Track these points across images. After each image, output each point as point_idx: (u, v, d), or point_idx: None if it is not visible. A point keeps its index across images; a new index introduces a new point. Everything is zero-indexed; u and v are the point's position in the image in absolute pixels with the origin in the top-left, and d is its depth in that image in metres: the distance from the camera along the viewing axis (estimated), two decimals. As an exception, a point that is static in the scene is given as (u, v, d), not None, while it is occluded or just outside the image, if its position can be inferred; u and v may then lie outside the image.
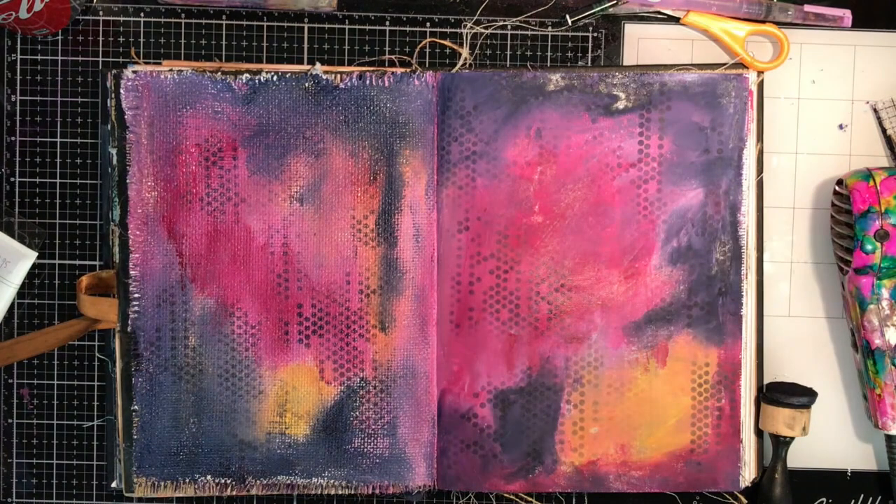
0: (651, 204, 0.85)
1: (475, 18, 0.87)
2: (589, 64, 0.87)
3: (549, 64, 0.87)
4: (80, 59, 0.87)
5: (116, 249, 0.85)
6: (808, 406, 0.84)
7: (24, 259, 0.86)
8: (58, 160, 0.87)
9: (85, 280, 0.84)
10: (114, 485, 0.87)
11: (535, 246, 0.85)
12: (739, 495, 0.87)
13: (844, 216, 0.83)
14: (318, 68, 0.84)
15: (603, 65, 0.87)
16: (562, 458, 0.86)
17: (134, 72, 0.84)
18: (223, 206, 0.85)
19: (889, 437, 0.85)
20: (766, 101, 0.87)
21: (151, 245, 0.84)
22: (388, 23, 0.87)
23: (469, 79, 0.84)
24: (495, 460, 0.86)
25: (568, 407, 0.86)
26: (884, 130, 0.87)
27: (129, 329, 0.84)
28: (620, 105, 0.85)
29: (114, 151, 0.84)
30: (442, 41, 0.87)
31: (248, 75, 0.84)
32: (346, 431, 0.85)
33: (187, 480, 0.85)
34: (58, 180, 0.87)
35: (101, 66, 0.87)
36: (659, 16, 0.87)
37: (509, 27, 0.87)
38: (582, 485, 0.86)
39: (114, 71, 0.84)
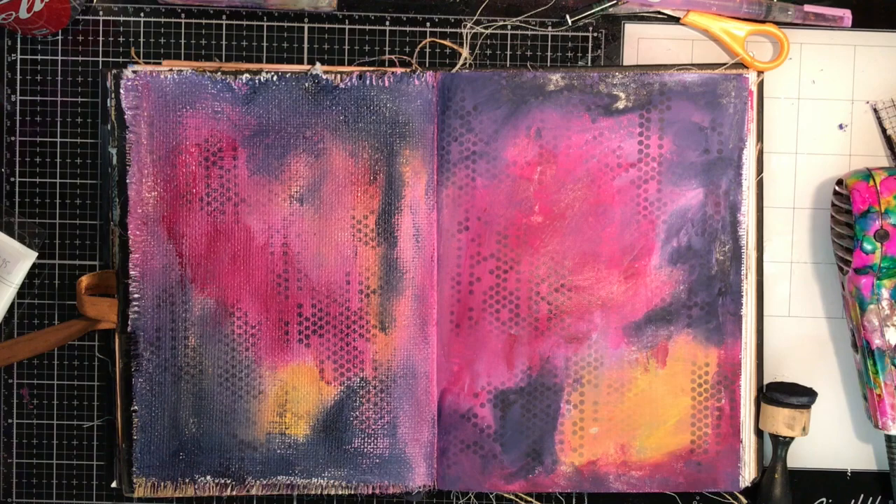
0: (651, 204, 0.85)
1: (475, 18, 0.87)
2: (589, 64, 0.87)
3: (549, 64, 0.87)
4: (80, 59, 0.87)
5: (116, 249, 0.85)
6: (808, 406, 0.84)
7: (24, 259, 0.86)
8: (58, 160, 0.87)
9: (85, 280, 0.84)
10: (114, 485, 0.87)
11: (535, 246, 0.85)
12: (739, 495, 0.87)
13: (844, 216, 0.83)
14: (318, 68, 0.84)
15: (603, 65, 0.87)
16: (562, 459, 0.86)
17: (134, 72, 0.84)
18: (223, 206, 0.85)
19: (889, 437, 0.85)
20: (766, 101, 0.87)
21: (151, 245, 0.84)
22: (388, 23, 0.87)
23: (469, 79, 0.84)
24: (495, 460, 0.86)
25: (568, 407, 0.86)
26: (884, 130, 0.87)
27: (129, 329, 0.84)
28: (620, 105, 0.85)
29: (114, 151, 0.84)
30: (442, 41, 0.87)
31: (248, 75, 0.84)
32: (346, 431, 0.85)
33: (187, 481, 0.85)
34: (58, 180, 0.87)
35: (101, 66, 0.87)
36: (659, 16, 0.87)
37: (509, 27, 0.87)
38: (582, 485, 0.86)
39: (114, 71, 0.84)
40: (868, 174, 0.82)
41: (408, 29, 0.87)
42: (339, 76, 0.84)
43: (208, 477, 0.85)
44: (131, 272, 0.84)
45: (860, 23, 0.87)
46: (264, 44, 0.87)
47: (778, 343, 0.88)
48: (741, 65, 0.86)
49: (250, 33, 0.87)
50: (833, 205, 0.85)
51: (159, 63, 0.86)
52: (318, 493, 0.86)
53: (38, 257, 0.87)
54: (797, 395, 0.84)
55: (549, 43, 0.87)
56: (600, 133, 0.85)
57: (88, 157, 0.87)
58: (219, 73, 0.84)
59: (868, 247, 0.82)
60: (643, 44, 0.87)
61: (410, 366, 0.85)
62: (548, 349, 0.85)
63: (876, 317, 0.83)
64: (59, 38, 0.87)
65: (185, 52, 0.87)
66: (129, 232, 0.84)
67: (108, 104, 0.84)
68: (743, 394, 0.86)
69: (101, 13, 0.87)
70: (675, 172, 0.85)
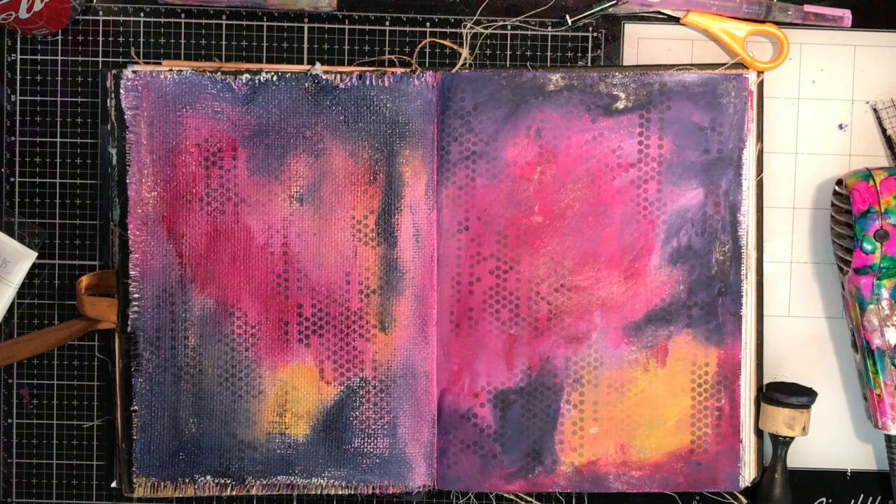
0: (651, 204, 0.85)
1: (475, 18, 0.87)
2: (589, 64, 0.87)
3: (549, 64, 0.87)
4: (80, 59, 0.87)
5: (116, 249, 0.85)
6: (808, 406, 0.84)
7: (24, 259, 0.86)
8: (58, 160, 0.87)
9: (85, 280, 0.84)
10: (114, 485, 0.87)
11: (535, 246, 0.85)
12: (739, 495, 0.87)
13: (844, 216, 0.83)
14: (318, 68, 0.84)
15: (603, 65, 0.87)
16: (562, 458, 0.86)
17: (134, 72, 0.84)
18: (223, 206, 0.85)
19: (889, 437, 0.85)
20: (766, 101, 0.87)
21: (151, 245, 0.84)
22: (388, 23, 0.87)
23: (469, 79, 0.84)
24: (495, 460, 0.86)
25: (568, 407, 0.86)
26: (884, 130, 0.87)
27: (128, 329, 0.84)
28: (620, 105, 0.85)
29: (113, 151, 0.84)
30: (442, 41, 0.87)
31: (248, 75, 0.84)
32: (346, 431, 0.85)
33: (187, 481, 0.85)
34: (58, 180, 0.87)
35: (101, 66, 0.87)
36: (659, 16, 0.87)
37: (509, 27, 0.87)
38: (582, 485, 0.86)
39: (114, 71, 0.84)
40: (868, 174, 0.82)
41: (408, 29, 0.87)
42: (339, 76, 0.84)
43: (208, 477, 0.85)
44: (131, 272, 0.84)
45: (860, 23, 0.87)
46: (264, 44, 0.87)
47: (778, 343, 0.88)
48: (741, 65, 0.86)
49: (250, 33, 0.87)
50: (833, 205, 0.85)
51: (159, 63, 0.86)
52: (318, 493, 0.86)
53: (38, 257, 0.87)
54: (797, 395, 0.84)
55: (549, 43, 0.87)
56: (600, 133, 0.85)
57: (88, 157, 0.87)
58: (219, 73, 0.84)
59: (868, 247, 0.82)
60: (643, 44, 0.87)
61: (410, 366, 0.85)
62: (548, 349, 0.85)
63: (876, 317, 0.83)
64: (59, 38, 0.87)
65: (185, 52, 0.87)
66: (129, 232, 0.84)
67: (108, 104, 0.84)
68: (743, 394, 0.86)
69: (101, 13, 0.87)
70: (675, 172, 0.85)
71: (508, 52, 0.87)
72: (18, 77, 0.87)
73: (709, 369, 0.86)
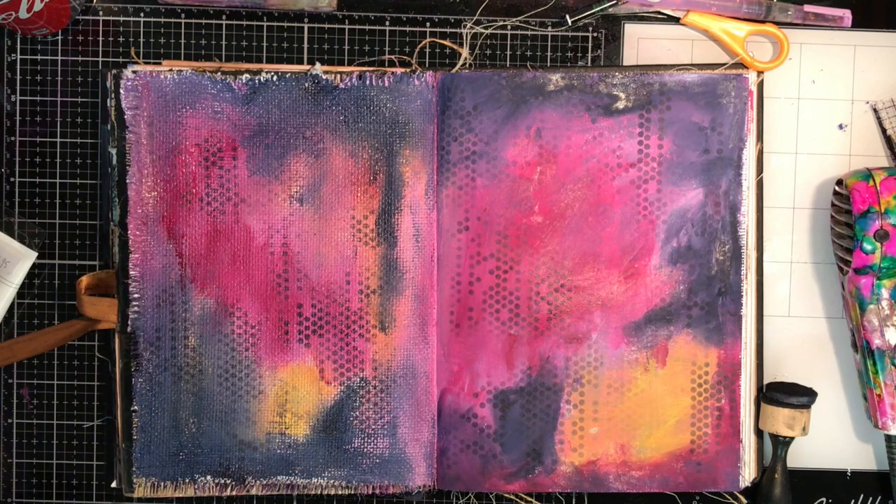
0: (651, 204, 0.85)
1: (475, 18, 0.87)
2: (589, 64, 0.87)
3: (549, 64, 0.87)
4: (80, 59, 0.87)
5: (116, 249, 0.85)
6: (808, 406, 0.84)
7: (24, 259, 0.86)
8: (58, 160, 0.87)
9: (85, 280, 0.84)
10: (114, 485, 0.87)
11: (535, 246, 0.85)
12: (739, 495, 0.87)
13: (844, 216, 0.83)
14: (318, 68, 0.84)
15: (603, 65, 0.87)
16: (562, 458, 0.86)
17: (134, 72, 0.84)
18: (223, 206, 0.85)
19: (889, 437, 0.85)
20: (766, 101, 0.87)
21: (151, 245, 0.84)
22: (388, 23, 0.87)
23: (469, 79, 0.84)
24: (495, 460, 0.86)
25: (568, 407, 0.86)
26: (884, 130, 0.87)
27: (128, 329, 0.84)
28: (620, 105, 0.85)
29: (113, 151, 0.84)
30: (442, 41, 0.87)
31: (247, 75, 0.84)
32: (346, 431, 0.85)
33: (187, 480, 0.85)
34: (58, 180, 0.87)
35: (101, 66, 0.87)
36: (659, 16, 0.87)
37: (509, 27, 0.87)
38: (582, 485, 0.86)
39: (114, 71, 0.84)
40: (868, 174, 0.82)
41: (408, 29, 0.87)
42: (339, 76, 0.84)
43: (208, 477, 0.85)
44: (131, 272, 0.84)
45: (860, 23, 0.87)
46: (264, 44, 0.87)
47: (778, 343, 0.88)
48: (741, 65, 0.86)
49: (250, 33, 0.87)
50: (833, 205, 0.85)
51: (159, 63, 0.86)
52: (318, 493, 0.86)
53: (38, 257, 0.87)
54: (797, 395, 0.84)
55: (549, 43, 0.87)
56: (600, 133, 0.85)
57: (88, 157, 0.87)
58: (219, 73, 0.84)
59: (868, 247, 0.82)
60: (643, 44, 0.87)
61: (410, 366, 0.85)
62: (548, 349, 0.85)
63: (876, 317, 0.83)
64: (59, 38, 0.87)
65: (185, 52, 0.87)
66: (129, 232, 0.84)
67: (108, 104, 0.84)
68: (743, 394, 0.86)
69: (101, 13, 0.87)
70: (675, 172, 0.85)
71: (508, 52, 0.87)
72: (18, 77, 0.87)
73: (709, 369, 0.86)
